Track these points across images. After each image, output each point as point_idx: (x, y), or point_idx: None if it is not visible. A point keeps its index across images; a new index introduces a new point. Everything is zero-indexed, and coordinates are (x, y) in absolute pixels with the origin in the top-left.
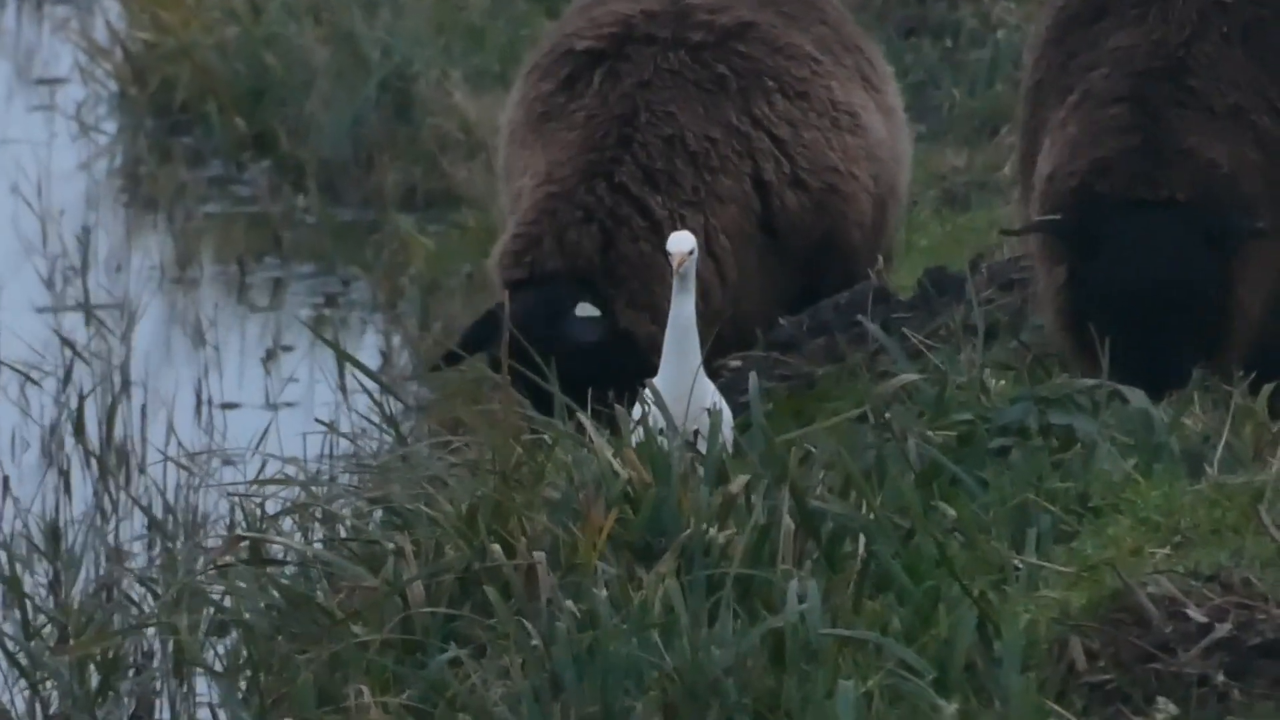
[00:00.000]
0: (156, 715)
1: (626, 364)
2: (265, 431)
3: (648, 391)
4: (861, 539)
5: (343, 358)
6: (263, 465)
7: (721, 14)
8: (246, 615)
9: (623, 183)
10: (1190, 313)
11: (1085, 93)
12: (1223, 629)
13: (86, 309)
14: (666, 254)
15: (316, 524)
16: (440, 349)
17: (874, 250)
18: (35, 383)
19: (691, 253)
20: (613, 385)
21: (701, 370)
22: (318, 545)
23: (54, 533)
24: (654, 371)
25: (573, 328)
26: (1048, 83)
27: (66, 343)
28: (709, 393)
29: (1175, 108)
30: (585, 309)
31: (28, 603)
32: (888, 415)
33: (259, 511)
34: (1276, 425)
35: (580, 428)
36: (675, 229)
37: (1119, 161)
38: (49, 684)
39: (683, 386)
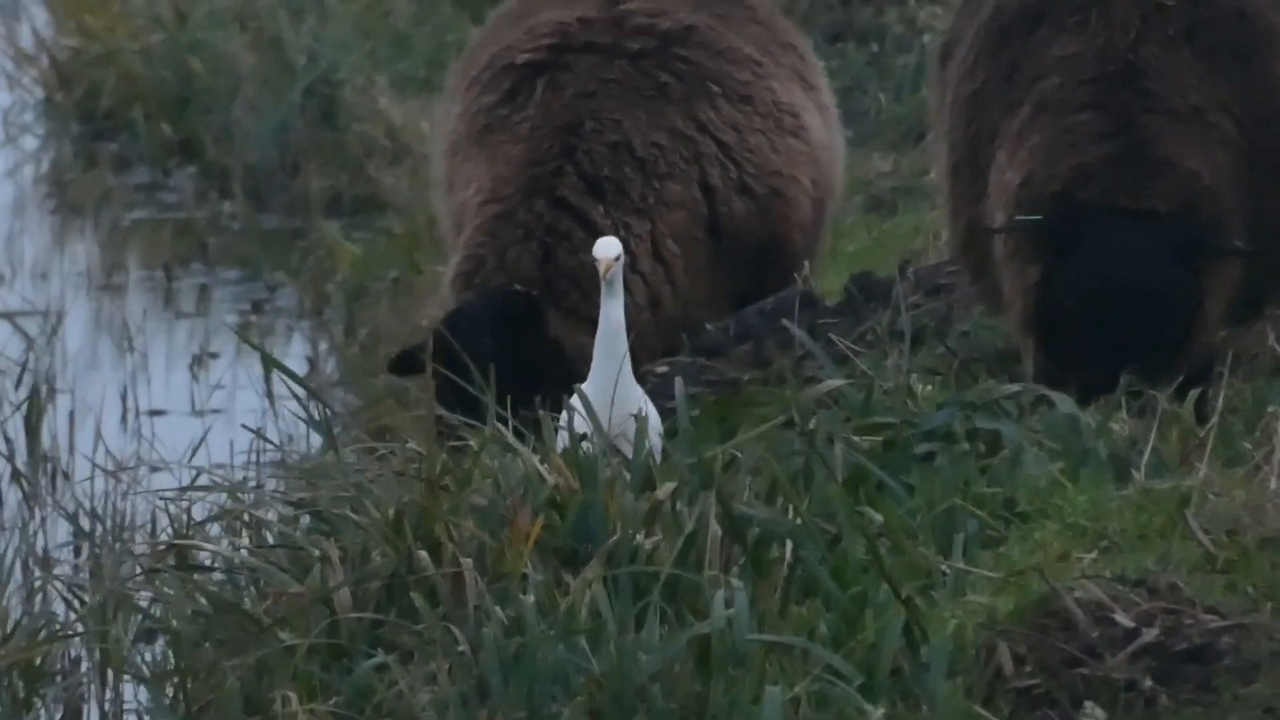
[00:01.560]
0: None
1: (553, 371)
2: (193, 439)
3: (575, 397)
4: (788, 544)
5: (269, 363)
6: (194, 474)
7: (660, 18)
8: (174, 622)
9: (563, 196)
10: (1160, 321)
11: (1039, 104)
12: (1150, 634)
13: (12, 315)
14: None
15: (244, 530)
16: (392, 356)
17: (813, 251)
18: None
19: (618, 258)
20: (541, 391)
21: (630, 375)
22: (244, 552)
23: None
24: (582, 379)
25: (512, 301)
26: (989, 93)
27: None
28: (637, 397)
29: (1143, 113)
30: (516, 287)
31: None
32: (814, 421)
33: (186, 518)
34: (1203, 431)
35: (512, 433)
36: (620, 239)
37: (1101, 169)
38: None
39: (611, 392)
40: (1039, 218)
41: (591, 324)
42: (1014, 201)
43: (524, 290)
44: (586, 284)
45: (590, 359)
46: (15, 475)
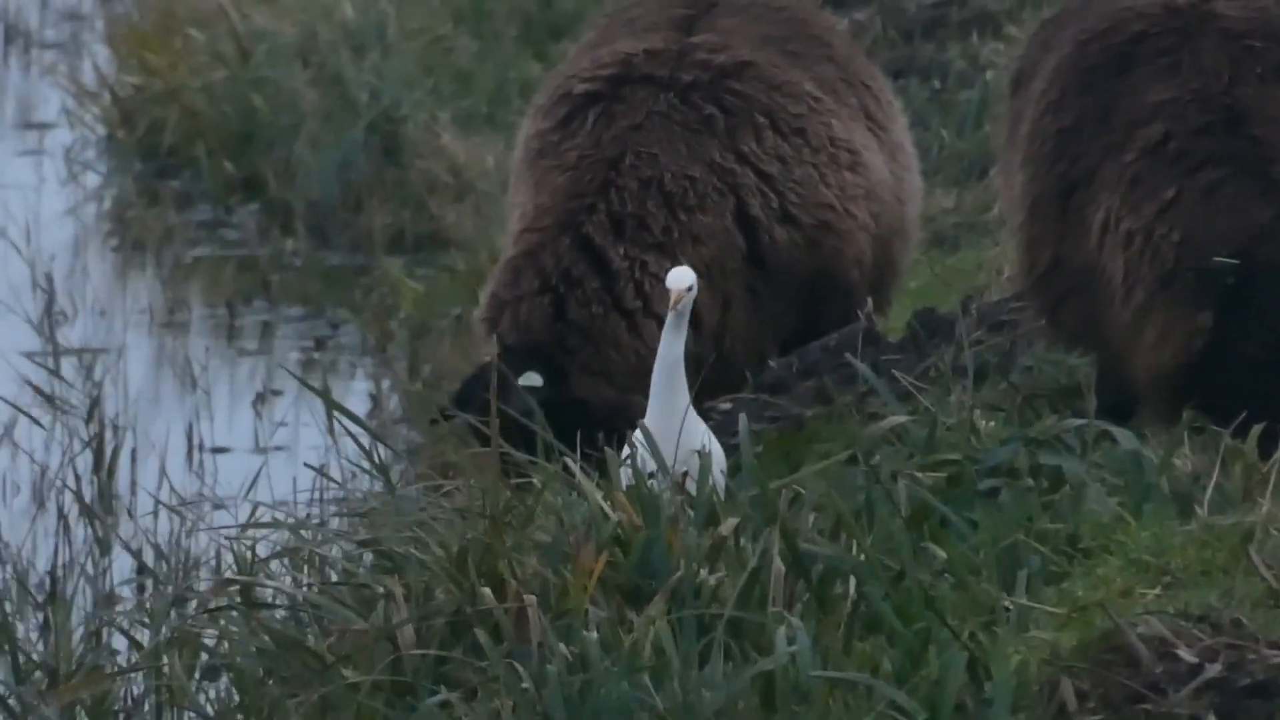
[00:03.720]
0: None
1: (585, 428)
2: (256, 476)
3: (637, 433)
4: (852, 580)
5: (330, 405)
6: (254, 510)
7: (721, 53)
8: (237, 659)
9: (588, 235)
10: None
11: (1149, 152)
12: (1213, 669)
13: (75, 353)
14: (622, 311)
15: (307, 568)
16: (435, 405)
17: (880, 289)
18: (37, 421)
19: (690, 289)
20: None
21: (692, 410)
22: (308, 589)
23: (45, 578)
24: (629, 425)
25: (513, 397)
26: (1083, 134)
27: (53, 388)
28: (700, 433)
29: (1268, 164)
30: (529, 378)
31: (18, 648)
32: (877, 457)
33: (249, 555)
34: (1266, 466)
35: (569, 471)
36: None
37: (1271, 229)
38: None
39: (671, 426)
40: (1233, 262)
41: (608, 376)
42: (1173, 258)
43: (532, 374)
44: (598, 337)
45: (616, 408)
46: (80, 512)
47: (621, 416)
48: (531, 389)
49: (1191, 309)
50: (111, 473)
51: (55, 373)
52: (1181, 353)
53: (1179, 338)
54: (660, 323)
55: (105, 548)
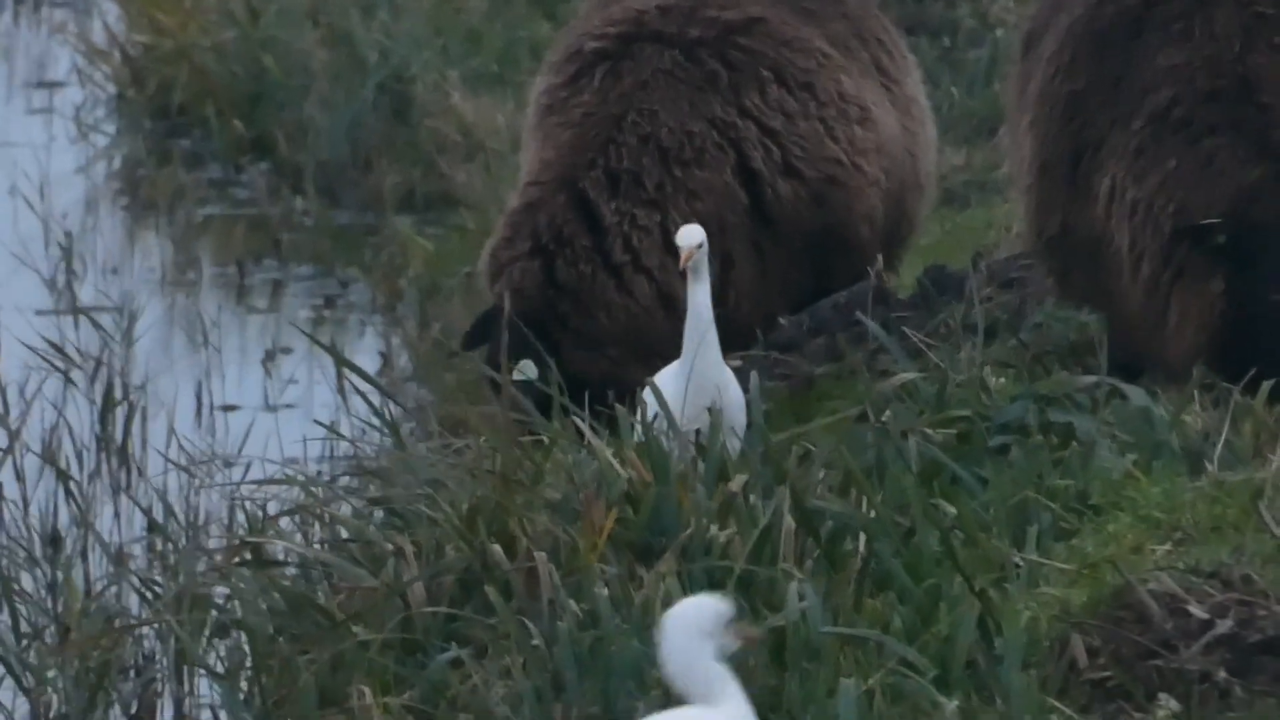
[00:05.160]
0: (157, 717)
1: (584, 388)
2: (266, 434)
3: (648, 390)
4: (862, 537)
5: (340, 362)
6: (264, 467)
7: (731, 9)
8: (247, 617)
9: (584, 191)
10: None
11: (1157, 119)
12: (1224, 626)
13: (86, 311)
14: (610, 268)
15: (317, 525)
16: (448, 351)
17: (895, 244)
18: (59, 373)
19: (700, 245)
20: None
21: (719, 358)
22: (318, 547)
23: (55, 536)
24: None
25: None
26: (1092, 99)
27: (64, 346)
28: (727, 380)
29: (1272, 129)
30: (526, 367)
31: (28, 605)
32: (887, 414)
33: (260, 513)
34: (1274, 417)
35: (579, 429)
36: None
37: (1266, 187)
38: (49, 687)
39: (703, 374)
40: (1217, 220)
41: (600, 345)
42: (1170, 229)
43: (526, 363)
44: (588, 299)
45: (612, 375)
46: (91, 471)
47: (617, 388)
48: (525, 382)
49: (1201, 280)
50: (128, 431)
51: (67, 329)
52: (1205, 326)
53: (1198, 311)
54: (650, 277)
55: (115, 506)
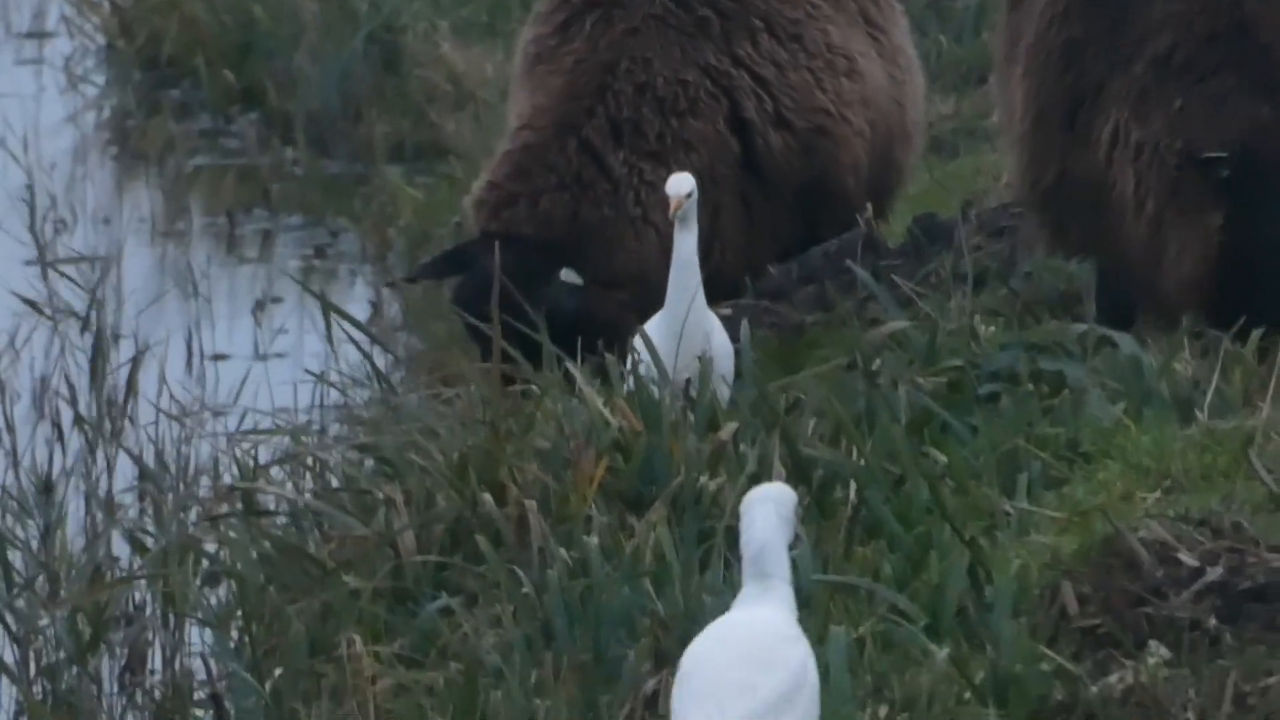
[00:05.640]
0: (148, 666)
1: (588, 332)
2: (256, 383)
3: (639, 339)
4: (852, 486)
5: (330, 311)
6: (254, 416)
7: None
8: (238, 566)
9: (589, 139)
10: None
11: (1159, 63)
12: (1214, 573)
13: (76, 261)
14: (627, 217)
15: (307, 474)
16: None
17: (883, 194)
18: (48, 323)
19: (690, 195)
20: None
21: (705, 306)
22: (309, 496)
23: (45, 485)
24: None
25: (557, 292)
26: (1090, 46)
27: (53, 296)
28: (715, 327)
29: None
30: (569, 275)
31: (19, 554)
32: (877, 362)
33: (250, 462)
34: (1265, 366)
35: (569, 378)
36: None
37: (1272, 125)
38: (40, 635)
39: (689, 322)
40: (1223, 154)
41: (617, 284)
42: (1176, 167)
43: (568, 271)
44: (609, 240)
45: (620, 320)
46: (79, 420)
47: (617, 331)
48: (573, 286)
49: (1201, 214)
50: (118, 381)
51: (56, 280)
52: (1202, 260)
53: (1197, 245)
54: (657, 232)
55: (106, 456)
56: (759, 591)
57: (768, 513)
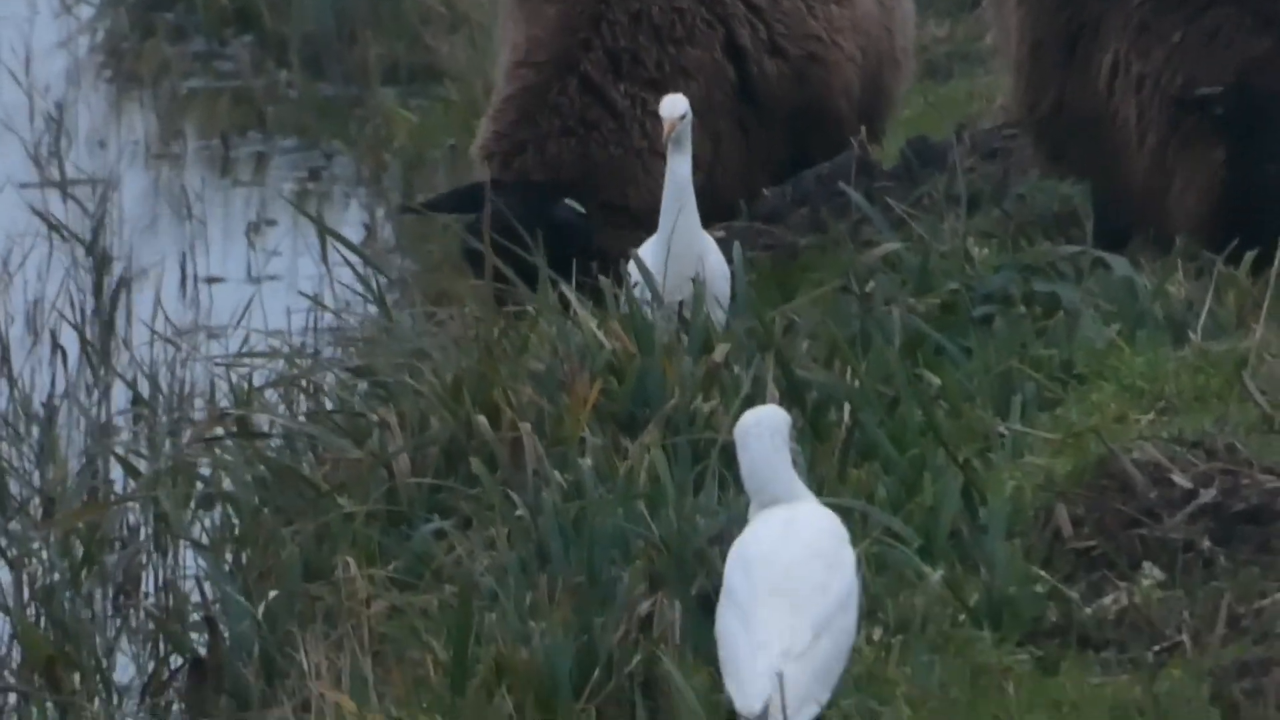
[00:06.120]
0: (142, 589)
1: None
2: (249, 306)
3: (633, 263)
4: (846, 408)
5: (325, 232)
6: (247, 339)
7: None
8: (232, 489)
9: (588, 75)
10: None
11: None
12: (1208, 495)
13: (70, 184)
14: (635, 151)
15: (302, 397)
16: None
17: (873, 119)
18: (44, 245)
19: (684, 117)
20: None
21: (699, 227)
22: (303, 418)
23: (40, 408)
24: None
25: (562, 212)
26: None
27: (50, 218)
28: (710, 247)
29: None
30: (573, 205)
31: (14, 477)
32: (871, 285)
33: (244, 385)
34: (1258, 287)
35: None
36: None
37: (1267, 60)
38: (34, 559)
39: (683, 244)
40: (1219, 90)
41: (626, 220)
42: (1177, 99)
43: (577, 213)
44: (619, 178)
45: (623, 254)
46: (76, 343)
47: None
48: (577, 213)
49: (1204, 148)
50: (113, 304)
51: (52, 202)
52: (1206, 194)
53: (1202, 179)
54: (664, 160)
55: (101, 378)
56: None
57: (762, 444)
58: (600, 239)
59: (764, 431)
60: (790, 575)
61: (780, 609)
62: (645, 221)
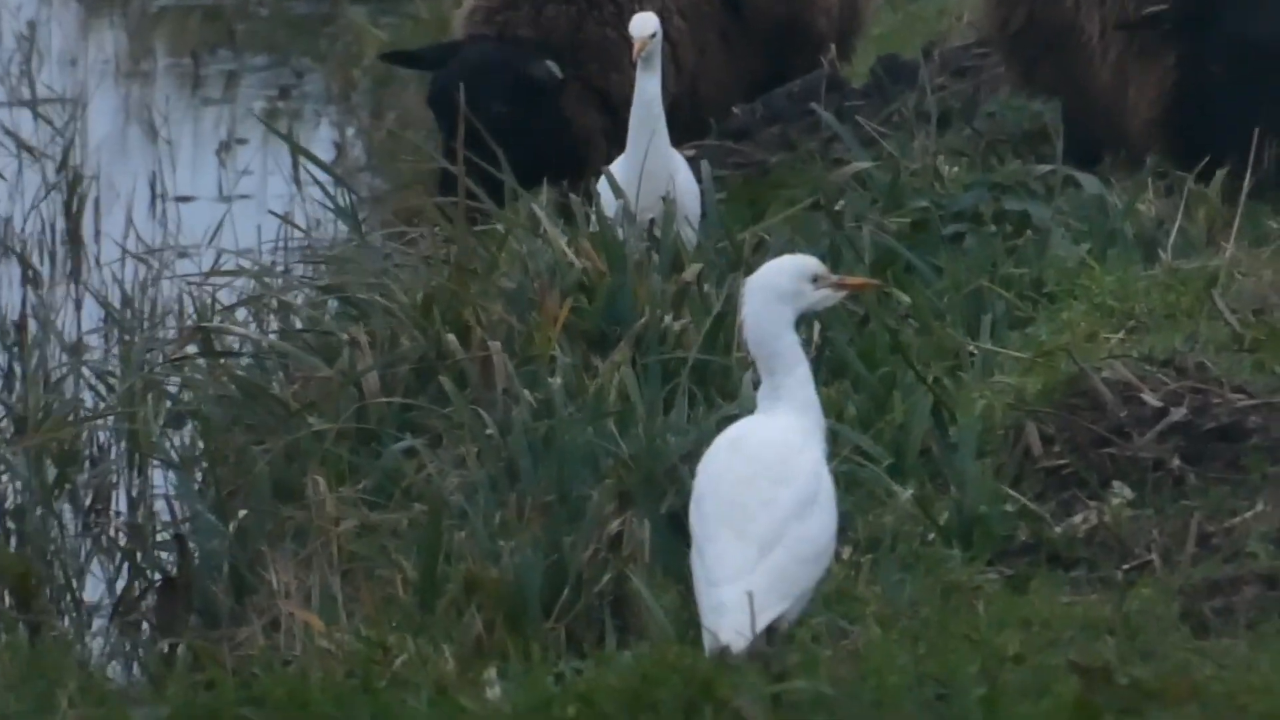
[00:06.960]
0: (113, 507)
1: (557, 148)
2: (220, 224)
3: (604, 180)
4: (816, 326)
5: (296, 150)
6: (218, 258)
7: None
8: (202, 407)
9: None
10: None
11: None
12: (1178, 413)
13: (40, 103)
14: (628, 40)
15: (271, 316)
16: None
17: (846, 37)
18: (13, 163)
19: (654, 35)
20: (544, 169)
21: (668, 146)
22: (273, 337)
23: (11, 327)
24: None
25: (538, 69)
26: None
27: (19, 137)
28: (679, 165)
29: None
30: (553, 66)
31: None
32: (841, 202)
33: (213, 303)
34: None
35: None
36: (635, 8)
37: None
38: (4, 478)
39: (652, 163)
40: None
41: (602, 101)
42: (1134, 11)
43: (552, 74)
44: (606, 57)
45: (595, 140)
46: (47, 261)
47: (591, 149)
48: (550, 69)
49: (1155, 56)
50: (78, 221)
51: (22, 120)
52: (1158, 98)
53: (1153, 85)
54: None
55: (72, 296)
56: (770, 391)
57: (759, 305)
58: (567, 107)
59: (762, 289)
60: (734, 502)
61: (728, 540)
62: (617, 114)
